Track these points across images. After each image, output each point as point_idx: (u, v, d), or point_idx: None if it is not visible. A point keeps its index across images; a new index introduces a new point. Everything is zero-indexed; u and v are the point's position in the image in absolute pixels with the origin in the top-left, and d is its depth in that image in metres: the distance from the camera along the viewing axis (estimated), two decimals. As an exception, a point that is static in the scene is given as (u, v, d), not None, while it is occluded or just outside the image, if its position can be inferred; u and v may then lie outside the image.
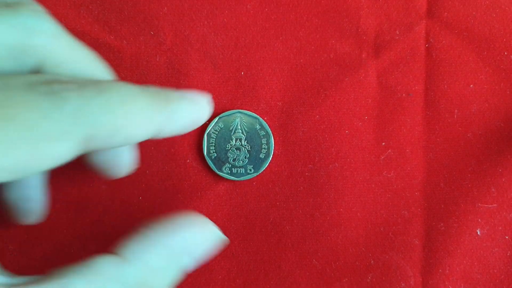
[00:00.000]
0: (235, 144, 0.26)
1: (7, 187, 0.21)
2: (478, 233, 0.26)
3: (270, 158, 0.26)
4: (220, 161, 0.26)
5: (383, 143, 0.26)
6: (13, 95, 0.14)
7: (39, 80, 0.15)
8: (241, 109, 0.26)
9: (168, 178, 0.26)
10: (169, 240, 0.18)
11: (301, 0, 0.26)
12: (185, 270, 0.18)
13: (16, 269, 0.25)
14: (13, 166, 0.14)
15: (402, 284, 0.26)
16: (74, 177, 0.25)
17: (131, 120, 0.16)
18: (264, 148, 0.26)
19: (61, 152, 0.15)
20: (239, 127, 0.26)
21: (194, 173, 0.26)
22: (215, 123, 0.26)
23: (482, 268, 0.26)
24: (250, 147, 0.26)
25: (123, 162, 0.22)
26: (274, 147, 0.26)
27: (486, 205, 0.26)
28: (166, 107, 0.18)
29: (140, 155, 0.26)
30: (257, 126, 0.26)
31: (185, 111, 0.19)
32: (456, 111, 0.26)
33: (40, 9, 0.17)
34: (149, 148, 0.26)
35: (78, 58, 0.19)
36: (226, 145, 0.26)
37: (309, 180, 0.26)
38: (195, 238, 0.18)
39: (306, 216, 0.26)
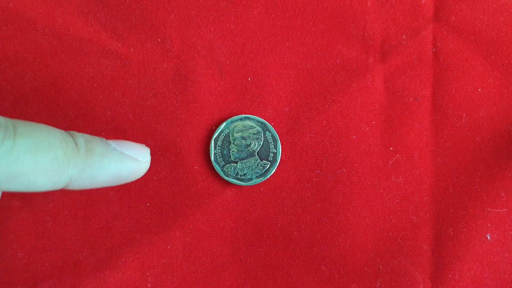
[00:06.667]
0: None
1: None
2: (488, 238, 0.26)
3: (277, 163, 0.26)
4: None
5: (391, 148, 0.26)
6: None
7: None
8: (248, 114, 0.26)
9: (176, 184, 0.26)
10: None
11: (307, 6, 0.26)
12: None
13: (25, 276, 0.25)
14: None
15: (412, 289, 0.26)
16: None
17: (35, 169, 0.16)
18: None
19: None
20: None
21: (202, 179, 0.26)
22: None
23: (492, 273, 0.26)
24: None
25: None
26: (281, 152, 0.26)
27: (495, 210, 0.26)
28: (84, 161, 0.18)
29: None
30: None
31: (109, 166, 0.19)
32: (464, 115, 0.26)
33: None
34: (156, 155, 0.26)
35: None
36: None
37: (317, 186, 0.26)
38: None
39: (314, 221, 0.26)
